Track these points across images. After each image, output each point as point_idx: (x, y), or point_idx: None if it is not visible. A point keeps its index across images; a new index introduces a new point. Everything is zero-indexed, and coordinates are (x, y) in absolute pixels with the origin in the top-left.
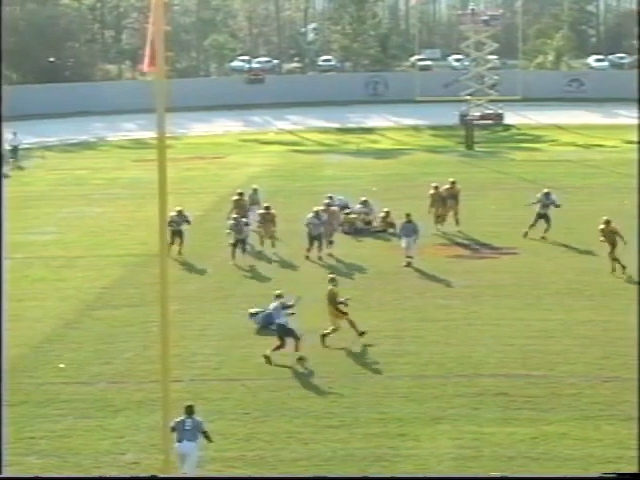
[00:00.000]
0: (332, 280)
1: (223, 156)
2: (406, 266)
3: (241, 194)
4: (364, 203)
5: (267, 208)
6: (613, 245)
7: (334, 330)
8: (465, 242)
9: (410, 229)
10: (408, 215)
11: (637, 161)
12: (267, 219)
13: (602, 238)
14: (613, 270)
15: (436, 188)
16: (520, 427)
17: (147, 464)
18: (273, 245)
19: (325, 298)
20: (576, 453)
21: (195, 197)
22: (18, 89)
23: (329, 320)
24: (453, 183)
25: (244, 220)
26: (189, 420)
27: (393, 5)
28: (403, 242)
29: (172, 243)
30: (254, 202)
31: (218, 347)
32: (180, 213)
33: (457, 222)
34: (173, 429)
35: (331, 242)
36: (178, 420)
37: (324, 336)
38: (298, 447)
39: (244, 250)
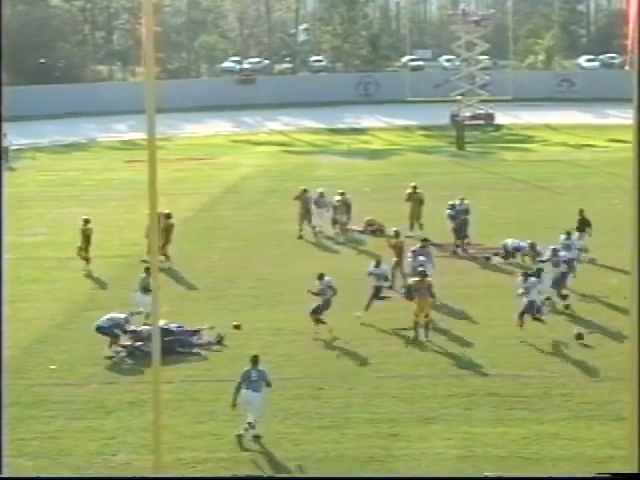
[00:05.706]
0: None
1: (214, 157)
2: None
3: (87, 221)
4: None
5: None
6: (399, 258)
7: None
8: (456, 242)
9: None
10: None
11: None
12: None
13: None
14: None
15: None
16: (512, 427)
17: (138, 465)
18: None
19: None
20: (568, 453)
21: (187, 198)
22: (9, 90)
23: None
24: (414, 187)
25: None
26: (254, 371)
27: (384, 5)
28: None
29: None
30: (322, 205)
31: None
32: (454, 207)
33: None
34: (239, 384)
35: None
36: (245, 370)
37: None
38: (290, 448)
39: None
